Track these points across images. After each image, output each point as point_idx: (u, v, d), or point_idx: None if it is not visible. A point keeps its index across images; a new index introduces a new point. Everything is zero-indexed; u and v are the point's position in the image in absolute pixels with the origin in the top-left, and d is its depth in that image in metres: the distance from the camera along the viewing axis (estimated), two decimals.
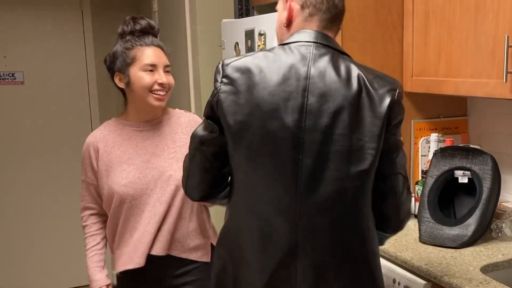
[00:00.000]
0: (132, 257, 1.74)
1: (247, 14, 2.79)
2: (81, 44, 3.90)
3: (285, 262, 1.24)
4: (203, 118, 1.35)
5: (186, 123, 1.86)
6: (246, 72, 1.25)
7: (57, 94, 3.86)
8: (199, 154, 1.35)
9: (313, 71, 1.22)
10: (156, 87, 1.72)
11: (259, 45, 2.31)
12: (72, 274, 3.86)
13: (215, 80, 1.28)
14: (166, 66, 1.77)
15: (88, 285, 1.84)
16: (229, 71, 1.26)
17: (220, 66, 1.29)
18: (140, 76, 1.72)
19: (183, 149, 1.79)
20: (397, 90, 1.24)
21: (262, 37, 2.27)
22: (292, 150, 1.21)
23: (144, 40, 1.75)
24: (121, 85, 1.76)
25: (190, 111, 3.13)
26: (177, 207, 1.76)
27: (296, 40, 1.28)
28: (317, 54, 1.25)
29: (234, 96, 1.24)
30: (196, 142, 1.35)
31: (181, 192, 1.76)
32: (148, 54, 1.73)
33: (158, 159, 1.77)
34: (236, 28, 2.58)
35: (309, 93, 1.21)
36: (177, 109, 1.91)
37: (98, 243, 1.83)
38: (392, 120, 1.23)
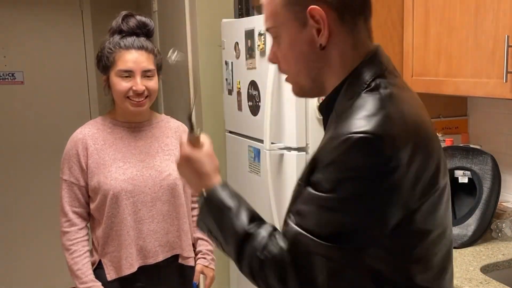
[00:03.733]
0: (136, 257, 1.73)
1: (247, 14, 2.79)
2: (81, 44, 3.90)
3: None
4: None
5: (175, 128, 1.85)
6: None
7: (57, 94, 3.86)
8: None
9: None
10: (131, 93, 1.66)
11: (259, 45, 2.31)
12: None
13: None
14: (146, 71, 1.67)
15: None
16: None
17: None
18: (115, 82, 1.66)
19: (175, 152, 1.76)
20: None
21: (262, 37, 2.27)
22: None
23: (125, 42, 1.67)
24: (105, 85, 1.73)
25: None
26: (177, 206, 1.76)
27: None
28: None
29: None
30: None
31: (180, 190, 1.76)
32: (126, 59, 1.65)
33: (153, 159, 1.75)
34: (236, 28, 2.58)
35: None
36: (163, 114, 1.90)
37: (88, 250, 1.74)
38: None
